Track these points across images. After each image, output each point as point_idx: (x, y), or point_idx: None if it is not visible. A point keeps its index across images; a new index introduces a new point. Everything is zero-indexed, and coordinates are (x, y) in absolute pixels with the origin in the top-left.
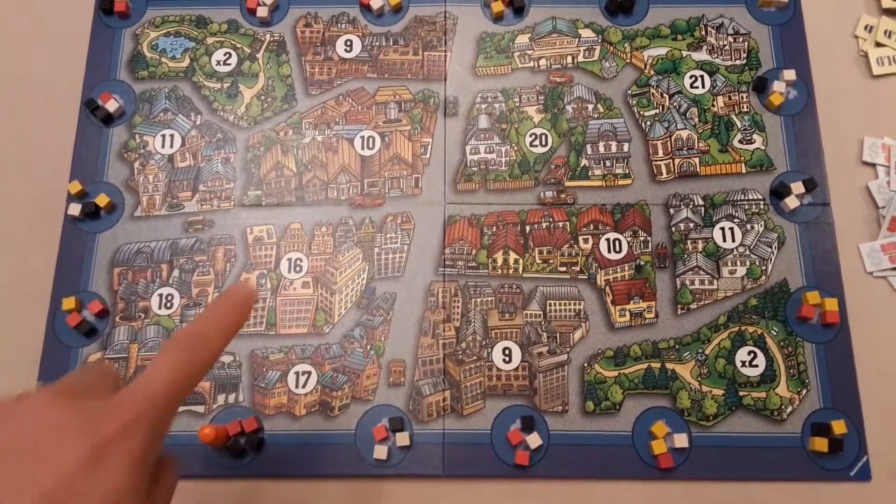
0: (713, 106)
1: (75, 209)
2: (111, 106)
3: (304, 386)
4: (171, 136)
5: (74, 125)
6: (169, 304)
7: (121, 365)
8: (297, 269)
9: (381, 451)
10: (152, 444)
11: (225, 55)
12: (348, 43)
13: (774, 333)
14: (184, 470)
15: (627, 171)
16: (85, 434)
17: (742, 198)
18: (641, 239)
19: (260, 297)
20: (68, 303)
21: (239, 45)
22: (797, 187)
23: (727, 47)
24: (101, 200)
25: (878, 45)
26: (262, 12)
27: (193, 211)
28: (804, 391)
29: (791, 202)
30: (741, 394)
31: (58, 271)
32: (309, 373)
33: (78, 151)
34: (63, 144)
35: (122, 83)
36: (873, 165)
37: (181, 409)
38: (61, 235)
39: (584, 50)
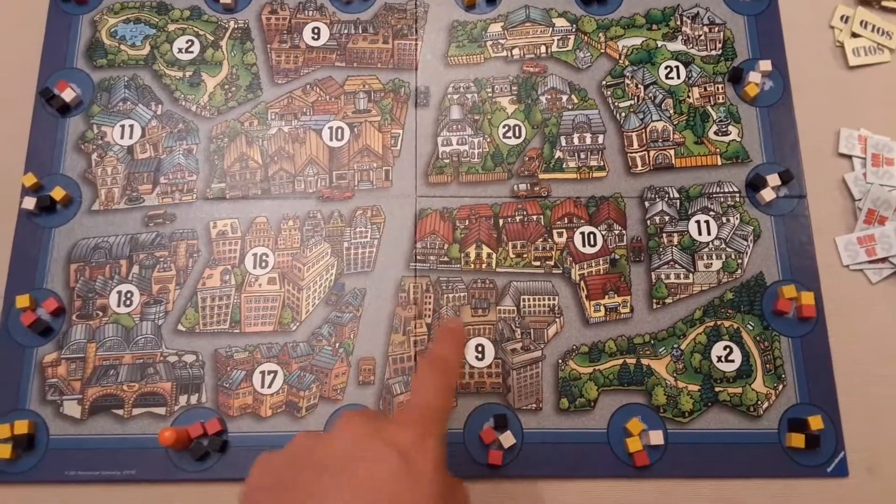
0: (688, 97)
1: (30, 203)
2: (68, 95)
3: (270, 386)
4: (131, 126)
5: (29, 115)
6: (128, 302)
7: (77, 365)
8: (263, 264)
9: None
10: (443, 448)
11: (187, 42)
12: (316, 30)
13: (750, 328)
14: (145, 474)
15: (602, 164)
16: (391, 444)
17: (717, 190)
18: (616, 232)
19: (224, 295)
20: (22, 301)
21: (202, 32)
22: (773, 179)
23: (702, 37)
24: (57, 194)
25: (854, 35)
26: None
27: (154, 204)
28: (780, 386)
29: (767, 194)
30: (717, 389)
31: (11, 268)
32: (275, 372)
33: (33, 143)
34: (17, 136)
35: (80, 72)
36: (849, 157)
37: (140, 410)
38: (15, 230)
39: (558, 39)
